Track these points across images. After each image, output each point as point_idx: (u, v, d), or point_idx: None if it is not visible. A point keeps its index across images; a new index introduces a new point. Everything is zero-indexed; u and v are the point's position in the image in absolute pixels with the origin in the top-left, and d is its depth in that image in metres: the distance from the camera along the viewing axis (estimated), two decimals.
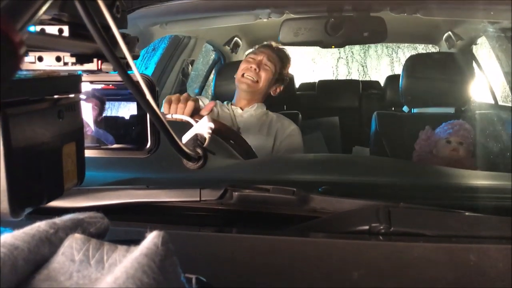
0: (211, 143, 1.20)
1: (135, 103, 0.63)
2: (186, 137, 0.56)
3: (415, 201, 0.69)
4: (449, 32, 2.29)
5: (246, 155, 1.30)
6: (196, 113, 1.35)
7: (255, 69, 1.70)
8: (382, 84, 3.04)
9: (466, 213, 0.59)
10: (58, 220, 0.39)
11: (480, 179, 0.88)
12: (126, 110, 0.63)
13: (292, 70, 2.87)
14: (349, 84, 3.08)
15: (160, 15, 1.45)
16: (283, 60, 1.80)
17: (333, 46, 1.43)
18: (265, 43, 1.86)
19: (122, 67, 0.43)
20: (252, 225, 0.63)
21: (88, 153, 0.53)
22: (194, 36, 2.11)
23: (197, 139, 0.54)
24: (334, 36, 1.27)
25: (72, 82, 0.49)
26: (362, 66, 3.55)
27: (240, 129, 1.66)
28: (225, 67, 2.29)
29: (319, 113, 2.76)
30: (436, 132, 1.84)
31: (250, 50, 2.21)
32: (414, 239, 0.52)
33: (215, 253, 0.51)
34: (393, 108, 2.70)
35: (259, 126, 1.68)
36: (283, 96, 2.35)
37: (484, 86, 2.22)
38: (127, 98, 0.63)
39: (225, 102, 1.84)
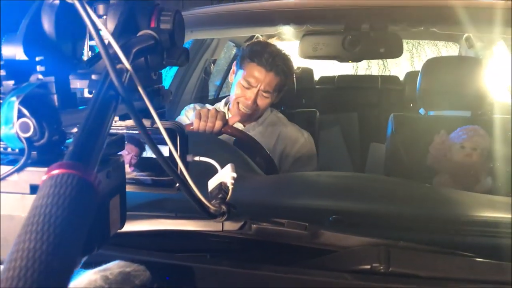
0: (230, 155, 1.28)
1: (167, 146, 0.71)
2: (211, 184, 0.64)
3: (421, 235, 0.77)
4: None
5: (267, 167, 1.38)
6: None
7: (251, 104, 1.55)
8: (401, 79, 3.06)
9: (463, 256, 0.65)
10: (109, 274, 0.48)
11: (494, 209, 0.93)
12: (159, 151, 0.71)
13: (312, 63, 2.88)
14: (368, 80, 3.12)
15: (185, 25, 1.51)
16: (282, 75, 1.56)
17: (350, 61, 1.48)
18: (256, 46, 1.56)
19: (146, 131, 0.49)
20: (267, 256, 0.72)
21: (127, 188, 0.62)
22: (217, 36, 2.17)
23: (222, 189, 0.62)
24: (351, 51, 1.33)
25: (118, 143, 0.57)
26: (382, 60, 3.56)
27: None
28: None
29: (337, 108, 2.81)
30: (451, 137, 1.88)
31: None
32: (410, 281, 0.60)
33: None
34: (411, 105, 2.73)
35: (263, 143, 1.58)
36: (302, 90, 2.40)
37: (503, 88, 2.23)
38: (160, 142, 0.71)
39: (222, 103, 1.74)
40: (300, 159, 1.67)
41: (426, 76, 1.93)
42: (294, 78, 1.87)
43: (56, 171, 0.30)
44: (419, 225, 0.82)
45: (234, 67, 1.66)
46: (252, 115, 1.62)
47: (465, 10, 1.24)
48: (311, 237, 0.70)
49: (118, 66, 0.42)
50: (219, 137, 1.46)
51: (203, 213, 0.55)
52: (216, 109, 1.46)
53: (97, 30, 0.40)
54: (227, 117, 1.66)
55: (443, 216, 0.86)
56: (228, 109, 1.70)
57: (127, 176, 0.73)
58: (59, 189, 0.29)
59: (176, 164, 0.70)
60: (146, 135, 0.51)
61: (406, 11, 1.30)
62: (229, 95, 2.74)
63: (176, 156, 0.59)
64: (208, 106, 1.76)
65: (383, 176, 1.55)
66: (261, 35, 2.66)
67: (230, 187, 0.62)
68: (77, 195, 0.29)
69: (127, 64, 0.43)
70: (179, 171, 0.71)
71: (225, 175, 0.64)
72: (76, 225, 0.29)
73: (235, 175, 0.63)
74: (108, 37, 0.42)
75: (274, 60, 1.52)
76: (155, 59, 0.53)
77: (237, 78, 1.59)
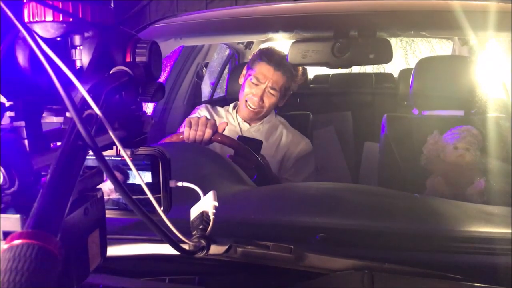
0: (219, 165, 1.26)
1: (150, 172, 0.71)
2: (193, 212, 0.63)
3: (410, 254, 0.76)
4: None
5: (258, 174, 1.38)
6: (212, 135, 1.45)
7: (258, 101, 1.67)
8: (395, 76, 3.05)
9: (454, 280, 0.65)
10: None
11: (491, 222, 0.91)
12: (142, 177, 0.71)
13: None
14: (362, 78, 3.10)
15: (173, 33, 1.50)
16: (289, 75, 1.70)
17: (339, 68, 1.48)
18: (267, 49, 1.72)
19: (120, 184, 0.48)
20: (253, 279, 0.72)
21: (108, 214, 0.61)
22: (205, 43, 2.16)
23: (203, 219, 0.61)
24: (340, 58, 1.32)
25: (97, 177, 0.56)
26: None
27: None
28: (238, 68, 2.34)
29: (331, 107, 2.80)
30: (444, 137, 1.87)
31: (263, 45, 2.16)
32: None
33: None
34: (405, 102, 2.72)
35: (266, 144, 1.67)
36: (296, 90, 2.38)
37: (497, 86, 2.22)
38: (143, 168, 0.71)
39: (231, 106, 1.83)
40: (300, 160, 1.74)
41: (419, 76, 1.92)
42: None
43: (16, 242, 0.30)
44: (408, 243, 0.81)
45: (244, 70, 1.80)
46: (258, 112, 1.72)
47: (455, 15, 1.23)
48: (297, 260, 0.70)
49: (87, 112, 0.42)
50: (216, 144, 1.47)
51: (181, 253, 0.54)
52: (206, 117, 1.47)
53: (58, 76, 0.39)
54: (237, 121, 1.74)
55: (434, 231, 0.86)
56: (237, 112, 1.79)
57: (111, 198, 0.73)
58: (17, 263, 0.28)
59: (158, 191, 0.71)
60: (111, 176, 0.49)
61: (394, 16, 1.29)
62: (223, 95, 2.74)
63: (147, 191, 0.58)
64: (218, 108, 1.85)
65: (374, 187, 1.55)
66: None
67: (212, 217, 0.61)
68: (37, 267, 0.29)
69: (96, 110, 0.42)
70: (162, 195, 0.71)
71: (207, 203, 0.63)
72: None
73: (216, 203, 0.62)
74: (75, 82, 0.41)
75: (282, 61, 1.67)
76: (129, 95, 0.52)
77: (247, 78, 1.72)
